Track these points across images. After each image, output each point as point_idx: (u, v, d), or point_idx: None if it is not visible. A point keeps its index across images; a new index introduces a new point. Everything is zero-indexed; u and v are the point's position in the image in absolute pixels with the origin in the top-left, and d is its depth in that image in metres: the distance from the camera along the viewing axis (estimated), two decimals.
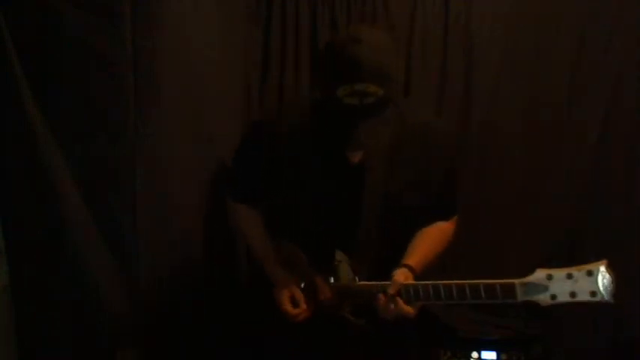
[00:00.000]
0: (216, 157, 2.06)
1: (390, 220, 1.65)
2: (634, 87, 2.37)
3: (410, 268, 1.60)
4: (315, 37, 2.48)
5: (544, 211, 2.44)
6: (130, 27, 1.66)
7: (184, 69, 1.91)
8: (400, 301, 1.51)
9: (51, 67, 1.62)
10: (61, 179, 1.64)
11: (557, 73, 2.42)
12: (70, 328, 1.71)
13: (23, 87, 1.57)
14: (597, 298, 1.26)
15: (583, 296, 1.28)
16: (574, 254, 2.33)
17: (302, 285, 1.75)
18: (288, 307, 1.71)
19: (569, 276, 1.29)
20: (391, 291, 1.52)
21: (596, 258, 1.29)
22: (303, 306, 1.72)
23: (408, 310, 1.52)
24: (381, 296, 1.54)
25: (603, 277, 1.25)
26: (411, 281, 1.55)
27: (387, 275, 1.57)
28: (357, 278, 1.64)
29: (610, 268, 1.26)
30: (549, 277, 1.31)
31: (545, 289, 1.31)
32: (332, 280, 1.68)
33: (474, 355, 2.21)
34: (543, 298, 1.31)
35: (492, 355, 2.21)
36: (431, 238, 1.72)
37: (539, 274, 1.32)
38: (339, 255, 1.67)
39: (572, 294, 1.28)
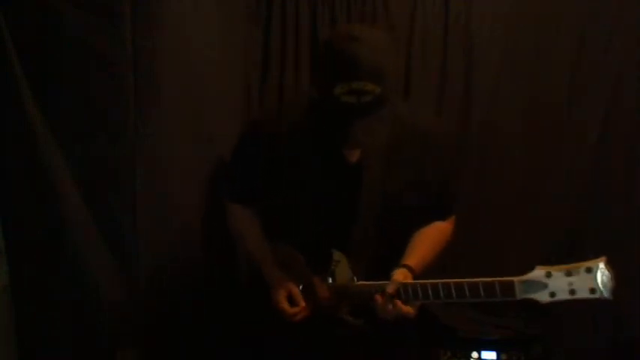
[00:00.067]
0: (216, 157, 2.06)
1: (388, 220, 1.65)
2: (634, 87, 2.37)
3: (409, 268, 1.60)
4: (315, 37, 2.48)
5: (544, 211, 2.44)
6: (130, 27, 1.66)
7: (184, 69, 1.91)
8: (398, 302, 1.51)
9: (51, 67, 1.62)
10: (61, 179, 1.64)
11: (557, 73, 2.42)
12: (70, 328, 1.71)
13: (23, 87, 1.56)
14: (596, 295, 1.26)
15: (582, 293, 1.28)
16: (574, 254, 2.31)
17: (300, 287, 1.75)
18: (285, 305, 1.71)
19: (568, 273, 1.29)
20: (389, 290, 1.52)
21: (596, 257, 1.30)
22: (302, 303, 1.71)
23: (407, 309, 1.52)
24: (378, 297, 1.54)
25: (602, 274, 1.26)
26: (409, 280, 1.55)
27: (385, 275, 1.57)
28: (355, 278, 1.64)
29: (609, 265, 1.26)
30: (548, 275, 1.31)
31: (544, 286, 1.31)
32: (330, 280, 1.68)
33: (474, 355, 2.21)
34: (542, 296, 1.32)
35: (492, 355, 2.21)
36: (429, 239, 1.72)
37: (538, 272, 1.33)
38: (337, 255, 1.67)
39: (572, 291, 1.29)
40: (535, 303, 1.33)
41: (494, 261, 2.39)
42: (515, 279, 1.35)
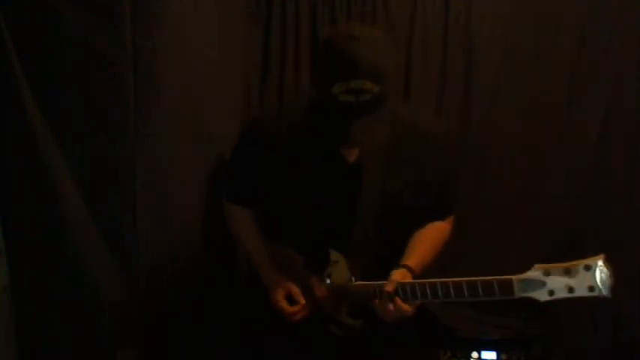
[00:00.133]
0: (216, 157, 2.06)
1: (388, 220, 1.65)
2: (634, 87, 2.37)
3: (409, 268, 1.60)
4: (315, 37, 2.48)
5: (544, 211, 2.44)
6: (130, 27, 1.66)
7: (184, 69, 1.91)
8: (398, 300, 1.51)
9: (51, 67, 1.62)
10: (61, 179, 1.64)
11: (557, 73, 2.42)
12: (70, 328, 1.71)
13: (23, 87, 1.56)
14: (595, 293, 1.26)
15: (581, 291, 1.27)
16: (574, 254, 2.32)
17: (299, 287, 1.75)
18: (285, 304, 1.71)
19: (567, 271, 1.29)
20: (388, 288, 1.52)
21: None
22: (302, 301, 1.71)
23: (406, 308, 1.52)
24: (376, 302, 1.54)
25: (601, 272, 1.25)
26: (408, 280, 1.55)
27: (384, 275, 1.57)
28: (353, 279, 1.64)
29: (608, 263, 1.26)
30: (547, 273, 1.31)
31: (543, 284, 1.31)
32: (328, 281, 1.68)
33: (474, 355, 2.21)
34: (541, 294, 1.31)
35: (492, 355, 2.21)
36: (429, 239, 1.72)
37: (537, 270, 1.32)
38: (336, 255, 1.67)
39: (570, 289, 1.28)
40: (534, 302, 1.33)
41: (494, 261, 2.39)
42: (514, 277, 1.35)
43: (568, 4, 2.40)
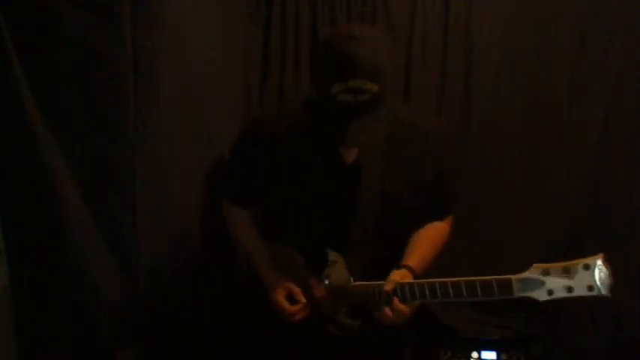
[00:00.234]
0: (216, 158, 2.06)
1: (387, 220, 1.65)
2: (634, 87, 2.37)
3: (409, 269, 1.59)
4: (315, 37, 2.48)
5: (544, 211, 2.44)
6: (130, 27, 1.66)
7: (184, 69, 1.91)
8: (396, 300, 1.51)
9: (51, 67, 1.62)
10: (61, 179, 1.64)
11: (557, 73, 2.42)
12: (70, 328, 1.71)
13: (23, 87, 1.56)
14: (594, 293, 1.26)
15: (580, 291, 1.27)
16: (574, 254, 2.32)
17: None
18: (285, 304, 1.71)
19: (566, 271, 1.29)
20: (387, 288, 1.52)
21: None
22: (303, 300, 1.71)
23: (403, 308, 1.52)
24: (376, 314, 1.54)
25: (600, 271, 1.25)
26: (408, 280, 1.55)
27: (383, 275, 1.57)
28: (352, 279, 1.64)
29: (607, 262, 1.26)
30: (546, 273, 1.31)
31: (542, 284, 1.31)
32: (327, 281, 1.68)
33: (474, 355, 2.21)
34: (540, 294, 1.31)
35: (492, 355, 2.21)
36: (429, 239, 1.72)
37: (536, 270, 1.32)
38: (334, 256, 1.66)
39: (569, 289, 1.28)
40: (533, 301, 1.32)
41: (494, 261, 2.39)
42: (513, 277, 1.35)
43: (568, 4, 2.40)
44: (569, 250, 2.35)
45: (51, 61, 1.62)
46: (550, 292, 1.30)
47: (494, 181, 2.48)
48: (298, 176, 1.68)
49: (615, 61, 2.37)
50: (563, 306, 2.15)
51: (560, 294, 1.30)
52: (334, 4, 2.47)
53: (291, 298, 1.72)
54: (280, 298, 1.71)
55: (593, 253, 1.30)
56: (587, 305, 2.34)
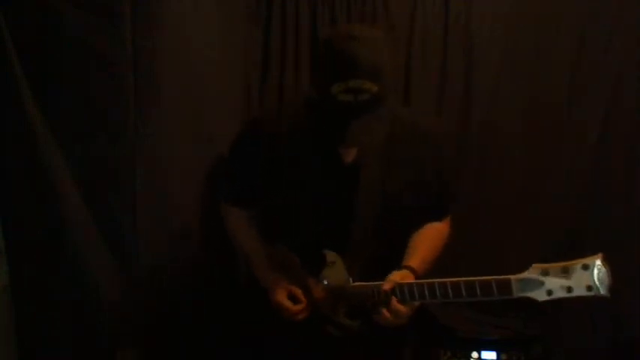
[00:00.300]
0: (216, 158, 2.06)
1: (387, 220, 1.65)
2: (634, 87, 2.37)
3: (411, 269, 1.59)
4: (315, 37, 2.48)
5: (544, 211, 2.44)
6: (130, 27, 1.66)
7: (184, 69, 1.91)
8: (394, 300, 1.51)
9: (51, 67, 1.62)
10: (61, 179, 1.64)
11: (557, 73, 2.42)
12: (70, 328, 1.71)
13: (23, 87, 1.56)
14: (593, 293, 1.26)
15: (579, 291, 1.27)
16: (574, 254, 2.32)
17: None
18: (289, 303, 1.70)
19: (565, 271, 1.29)
20: (386, 287, 1.52)
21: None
22: (304, 300, 1.71)
23: (401, 309, 1.52)
24: (375, 316, 1.54)
25: (599, 271, 1.25)
26: (409, 280, 1.55)
27: (383, 276, 1.56)
28: (351, 279, 1.64)
29: (606, 262, 1.26)
30: (545, 273, 1.31)
31: (541, 284, 1.31)
32: (325, 282, 1.68)
33: (474, 355, 2.21)
34: (539, 294, 1.31)
35: (492, 355, 2.21)
36: (429, 240, 1.72)
37: (535, 270, 1.32)
38: (333, 256, 1.66)
39: (569, 289, 1.28)
40: (532, 302, 1.32)
41: (494, 261, 2.39)
42: (512, 277, 1.35)
43: (568, 4, 2.40)
44: (569, 250, 2.35)
45: (51, 61, 1.62)
46: (549, 293, 1.30)
47: (494, 181, 2.48)
48: (298, 176, 1.68)
49: (615, 61, 2.37)
50: (562, 306, 2.16)
51: (560, 294, 1.30)
52: (334, 4, 2.47)
53: (293, 299, 1.72)
54: (282, 298, 1.71)
55: (593, 253, 1.30)
56: (586, 305, 2.34)
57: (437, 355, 2.23)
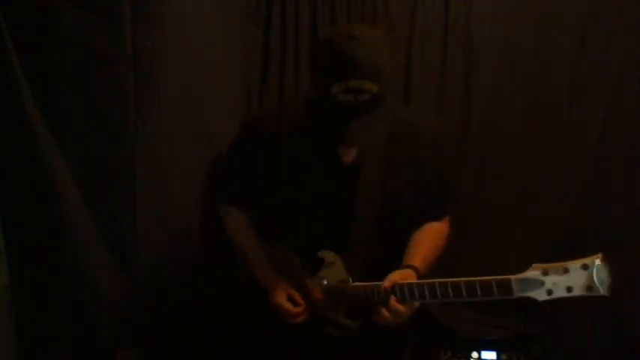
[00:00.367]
0: (216, 158, 2.06)
1: (387, 220, 1.65)
2: (634, 87, 2.37)
3: (414, 268, 1.59)
4: (315, 37, 2.48)
5: (544, 211, 2.44)
6: (130, 27, 1.66)
7: (184, 69, 1.91)
8: (393, 299, 1.51)
9: (51, 67, 1.62)
10: (61, 179, 1.64)
11: (557, 73, 2.42)
12: (70, 328, 1.71)
13: (23, 87, 1.56)
14: (593, 292, 1.26)
15: (579, 291, 1.27)
16: (574, 254, 2.32)
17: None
18: (288, 305, 1.70)
19: (565, 270, 1.29)
20: (386, 284, 1.52)
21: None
22: (303, 302, 1.71)
23: (400, 308, 1.51)
24: (374, 316, 1.55)
25: (599, 271, 1.25)
26: (412, 279, 1.54)
27: (382, 276, 1.56)
28: (351, 279, 1.64)
29: (606, 262, 1.26)
30: (545, 273, 1.31)
31: (542, 284, 1.31)
32: (325, 282, 1.68)
33: (474, 355, 2.21)
34: (539, 294, 1.31)
35: (492, 355, 2.21)
36: (429, 240, 1.72)
37: (535, 270, 1.32)
38: (332, 256, 1.66)
39: (569, 289, 1.28)
40: (532, 301, 1.33)
41: (494, 261, 2.39)
42: (513, 277, 1.35)
43: (568, 4, 2.40)
44: (569, 250, 2.35)
45: (51, 61, 1.62)
46: (549, 292, 1.30)
47: (494, 181, 2.48)
48: (297, 176, 1.68)
49: (615, 61, 2.37)
50: (562, 306, 2.16)
51: (560, 294, 1.30)
52: (334, 4, 2.47)
53: (293, 301, 1.71)
54: (282, 299, 1.71)
55: (593, 253, 1.30)
56: (586, 305, 2.34)
57: (437, 355, 2.23)
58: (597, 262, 1.26)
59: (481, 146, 2.48)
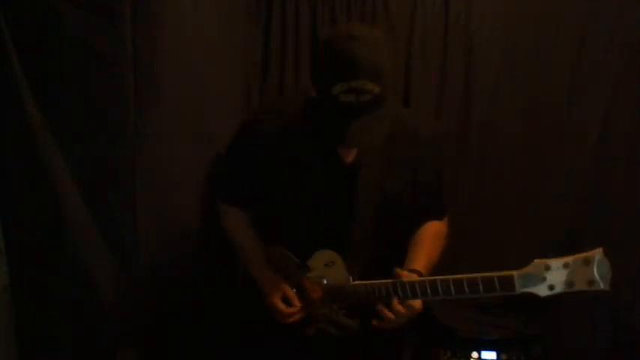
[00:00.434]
0: (216, 158, 2.06)
1: (386, 220, 1.65)
2: (634, 87, 2.37)
3: (418, 273, 1.58)
4: (315, 37, 2.48)
5: (544, 211, 2.44)
6: (130, 27, 1.66)
7: (184, 69, 1.91)
8: (395, 301, 1.51)
9: (51, 67, 1.62)
10: (61, 179, 1.64)
11: (557, 73, 2.42)
12: (70, 328, 1.71)
13: (23, 87, 1.56)
14: (594, 287, 1.26)
15: (580, 285, 1.28)
16: (574, 254, 2.33)
17: (293, 290, 1.74)
18: (282, 306, 1.70)
19: (566, 265, 1.29)
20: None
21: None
22: (297, 303, 1.70)
23: (400, 309, 1.51)
24: (374, 321, 1.55)
25: (600, 266, 1.26)
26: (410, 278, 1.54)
27: (382, 275, 1.56)
28: (351, 278, 1.64)
29: (606, 256, 1.26)
30: (547, 268, 1.31)
31: (543, 279, 1.32)
32: (325, 281, 1.68)
33: (474, 355, 2.21)
34: (541, 289, 1.32)
35: (492, 355, 2.21)
36: (430, 240, 1.73)
37: (537, 265, 1.33)
38: (332, 255, 1.66)
39: (570, 283, 1.29)
40: (534, 298, 1.33)
41: (494, 261, 2.37)
42: (515, 273, 1.35)
43: (568, 4, 2.40)
44: (569, 250, 2.32)
45: (51, 61, 1.62)
46: (551, 288, 1.31)
47: (494, 181, 2.48)
48: (297, 176, 1.68)
49: (615, 61, 2.37)
50: (562, 305, 2.16)
51: (561, 289, 1.30)
52: (334, 4, 2.48)
53: (287, 301, 1.71)
54: (276, 299, 1.70)
55: None
56: (586, 305, 2.34)
57: (437, 355, 2.23)
58: (598, 257, 1.26)
59: (481, 146, 2.48)
